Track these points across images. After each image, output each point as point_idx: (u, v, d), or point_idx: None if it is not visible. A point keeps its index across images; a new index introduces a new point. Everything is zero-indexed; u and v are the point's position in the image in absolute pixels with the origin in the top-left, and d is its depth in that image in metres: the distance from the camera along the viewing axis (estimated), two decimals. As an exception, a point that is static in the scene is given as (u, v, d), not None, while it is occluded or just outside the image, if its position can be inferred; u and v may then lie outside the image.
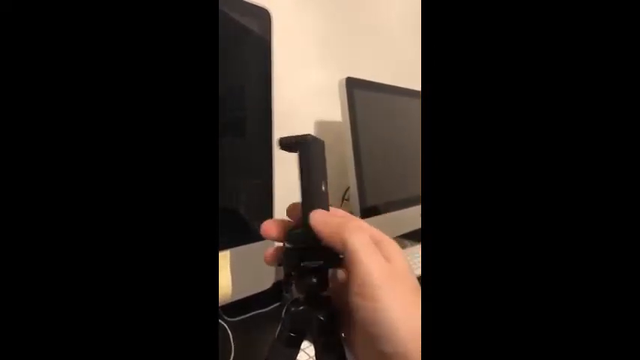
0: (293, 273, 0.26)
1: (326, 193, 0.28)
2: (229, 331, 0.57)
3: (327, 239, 0.25)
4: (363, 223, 0.26)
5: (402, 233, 0.90)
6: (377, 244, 0.25)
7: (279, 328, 0.27)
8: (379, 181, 0.84)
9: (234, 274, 0.50)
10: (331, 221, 0.25)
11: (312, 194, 0.26)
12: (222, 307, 0.60)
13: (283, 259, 0.27)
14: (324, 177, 0.28)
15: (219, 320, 0.60)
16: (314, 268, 0.26)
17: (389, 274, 0.23)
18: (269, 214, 0.56)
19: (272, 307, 0.65)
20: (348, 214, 0.28)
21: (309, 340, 0.27)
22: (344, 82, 0.77)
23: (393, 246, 0.25)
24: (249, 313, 0.63)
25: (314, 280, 0.26)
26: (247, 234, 0.52)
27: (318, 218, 0.25)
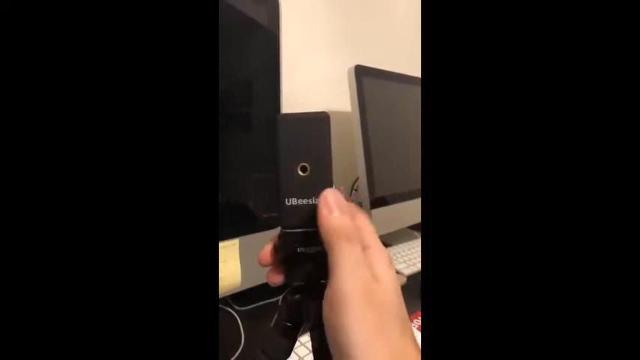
0: (290, 259, 0.25)
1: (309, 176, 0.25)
2: (239, 320, 0.58)
3: (321, 233, 0.23)
4: (359, 229, 0.24)
5: (411, 224, 0.90)
6: (365, 249, 0.23)
7: (275, 317, 0.26)
8: (389, 172, 0.83)
9: (244, 263, 0.50)
10: (331, 220, 0.23)
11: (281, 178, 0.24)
12: (232, 296, 0.61)
13: (279, 244, 0.25)
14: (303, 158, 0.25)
15: (230, 309, 0.61)
16: (311, 254, 0.24)
17: (366, 295, 0.21)
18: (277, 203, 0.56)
19: (282, 295, 0.65)
20: (353, 208, 0.26)
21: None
22: (353, 70, 0.76)
23: (384, 261, 0.23)
24: (259, 302, 0.63)
25: (312, 268, 0.24)
26: (256, 224, 0.53)
27: (328, 204, 0.23)
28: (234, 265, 0.50)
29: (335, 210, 0.23)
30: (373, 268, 0.22)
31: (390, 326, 0.21)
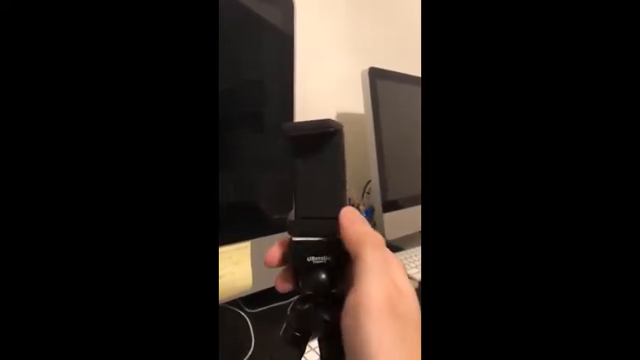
0: (299, 268, 0.25)
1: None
2: (250, 323, 0.58)
3: (347, 242, 0.23)
4: (381, 239, 0.24)
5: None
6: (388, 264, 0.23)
7: (283, 326, 0.26)
8: (401, 175, 0.82)
9: (255, 265, 0.50)
10: (356, 228, 0.24)
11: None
12: (243, 298, 0.60)
13: (288, 252, 0.25)
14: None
15: (240, 311, 0.61)
16: (321, 263, 0.24)
17: (390, 306, 0.21)
18: (289, 206, 0.56)
19: (293, 299, 0.65)
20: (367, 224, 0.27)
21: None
22: (367, 72, 0.76)
23: (402, 271, 0.23)
24: (270, 304, 0.63)
25: (321, 277, 0.24)
26: (268, 226, 0.52)
27: (349, 216, 0.24)
28: (245, 267, 0.50)
29: (356, 220, 0.24)
30: (394, 277, 0.22)
31: (411, 338, 0.20)
